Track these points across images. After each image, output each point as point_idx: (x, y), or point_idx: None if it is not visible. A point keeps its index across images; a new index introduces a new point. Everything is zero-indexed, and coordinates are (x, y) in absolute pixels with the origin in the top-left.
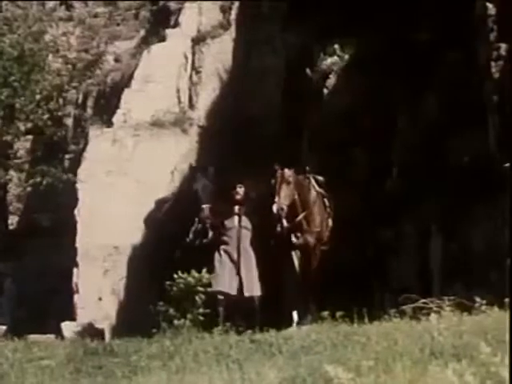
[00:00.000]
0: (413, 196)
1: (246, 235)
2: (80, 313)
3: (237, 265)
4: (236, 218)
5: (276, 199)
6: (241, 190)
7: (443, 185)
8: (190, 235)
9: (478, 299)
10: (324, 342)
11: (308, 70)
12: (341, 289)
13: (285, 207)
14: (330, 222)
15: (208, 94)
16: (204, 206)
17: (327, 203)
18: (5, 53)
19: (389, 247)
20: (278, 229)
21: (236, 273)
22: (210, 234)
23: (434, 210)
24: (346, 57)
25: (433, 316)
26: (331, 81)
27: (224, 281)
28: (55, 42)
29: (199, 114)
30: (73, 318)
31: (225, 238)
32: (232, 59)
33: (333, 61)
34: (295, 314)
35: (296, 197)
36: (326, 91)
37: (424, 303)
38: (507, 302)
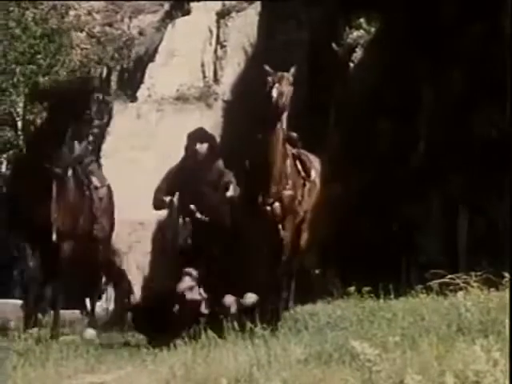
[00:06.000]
0: (439, 170)
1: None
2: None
3: None
4: None
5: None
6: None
7: (470, 158)
8: None
9: (506, 274)
10: (350, 318)
11: (334, 44)
12: (367, 264)
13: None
14: (308, 191)
15: (233, 68)
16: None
17: (300, 167)
18: (29, 28)
19: (415, 222)
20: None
21: None
22: None
23: (460, 184)
24: (372, 30)
25: (460, 292)
26: (357, 54)
27: None
28: (79, 16)
29: (224, 89)
30: None
31: None
32: (257, 33)
33: (359, 34)
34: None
35: None
36: (351, 65)
37: (451, 279)
38: None
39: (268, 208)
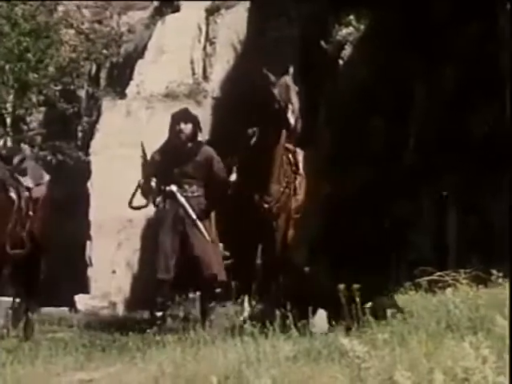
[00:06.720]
0: (431, 168)
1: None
2: (93, 286)
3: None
4: None
5: None
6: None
7: (463, 157)
8: None
9: (494, 272)
10: None
11: (323, 42)
12: (357, 262)
13: None
14: (299, 184)
15: (222, 65)
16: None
17: (292, 159)
18: (18, 24)
19: (406, 220)
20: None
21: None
22: None
23: (452, 182)
24: (362, 27)
25: (449, 289)
26: (347, 52)
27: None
28: (68, 12)
29: (213, 86)
30: (86, 291)
31: None
32: (247, 30)
33: (348, 31)
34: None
35: None
36: (341, 62)
37: (440, 276)
38: None
39: (265, 205)
